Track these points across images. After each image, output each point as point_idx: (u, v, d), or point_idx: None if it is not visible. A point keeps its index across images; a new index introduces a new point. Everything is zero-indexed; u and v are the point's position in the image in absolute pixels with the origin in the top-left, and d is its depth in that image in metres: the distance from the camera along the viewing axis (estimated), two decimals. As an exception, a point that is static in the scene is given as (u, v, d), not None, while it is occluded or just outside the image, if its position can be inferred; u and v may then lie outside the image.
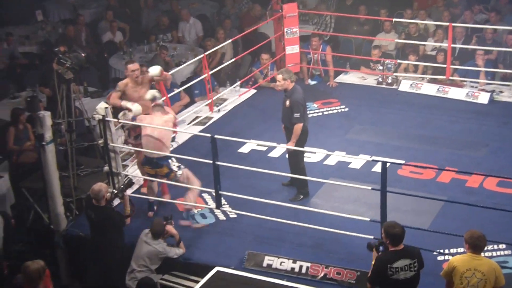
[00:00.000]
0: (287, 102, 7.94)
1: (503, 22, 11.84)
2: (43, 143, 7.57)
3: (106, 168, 7.99)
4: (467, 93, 10.65)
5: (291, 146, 7.85)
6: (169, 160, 7.68)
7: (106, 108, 7.82)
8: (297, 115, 7.83)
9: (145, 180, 8.21)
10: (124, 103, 8.03)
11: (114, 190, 7.36)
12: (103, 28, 13.48)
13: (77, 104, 8.59)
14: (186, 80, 11.61)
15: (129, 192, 7.98)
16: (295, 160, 8.04)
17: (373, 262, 5.83)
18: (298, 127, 7.86)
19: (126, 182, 7.45)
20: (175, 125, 8.07)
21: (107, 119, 7.80)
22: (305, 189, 8.13)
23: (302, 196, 8.13)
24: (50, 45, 12.24)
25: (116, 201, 7.67)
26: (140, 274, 6.96)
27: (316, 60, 11.40)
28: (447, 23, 10.90)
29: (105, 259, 7.14)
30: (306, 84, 11.34)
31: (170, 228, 7.18)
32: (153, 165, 7.69)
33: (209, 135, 7.43)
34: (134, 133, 8.10)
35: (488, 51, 10.99)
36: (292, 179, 8.17)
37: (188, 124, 10.09)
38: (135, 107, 7.92)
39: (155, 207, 8.05)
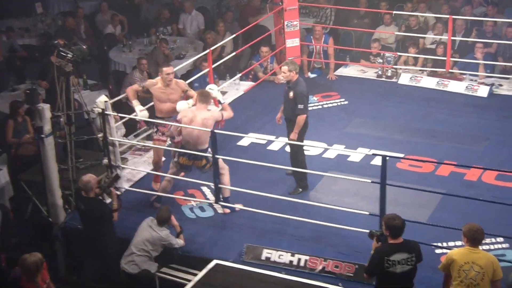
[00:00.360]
0: (291, 94, 7.96)
1: (503, 15, 11.82)
2: (42, 136, 7.56)
3: (105, 161, 7.99)
4: (466, 86, 10.65)
5: (294, 137, 7.89)
6: (208, 153, 7.65)
7: (105, 101, 7.81)
8: (300, 106, 7.88)
9: (155, 175, 8.24)
10: (136, 103, 8.03)
11: (103, 185, 7.35)
12: (101, 21, 13.46)
13: (76, 97, 8.58)
14: (186, 73, 11.61)
15: (126, 185, 8.00)
16: (295, 152, 8.06)
17: (372, 251, 5.85)
18: (301, 118, 7.90)
19: (113, 177, 7.45)
20: (221, 122, 7.87)
21: (106, 112, 7.79)
22: (304, 182, 8.14)
23: (301, 190, 8.13)
24: (50, 38, 12.23)
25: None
26: (139, 258, 6.96)
27: (318, 51, 11.38)
28: (447, 16, 10.88)
29: (96, 251, 7.15)
30: (306, 77, 11.32)
31: (172, 219, 7.19)
32: (191, 156, 7.66)
33: (209, 129, 7.43)
34: (163, 129, 8.05)
35: (487, 44, 10.98)
36: (293, 172, 8.19)
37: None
38: (142, 114, 7.99)
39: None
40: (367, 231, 6.08)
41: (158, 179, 8.25)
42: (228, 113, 7.90)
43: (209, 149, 7.61)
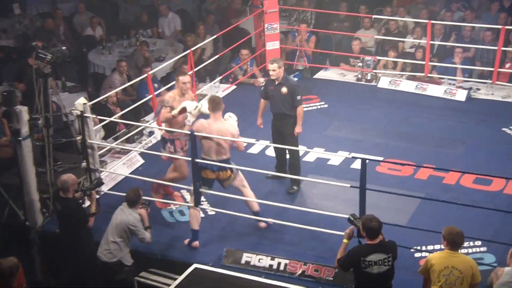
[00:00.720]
0: (284, 89, 8.05)
1: (480, 20, 11.92)
2: (20, 138, 7.49)
3: (84, 164, 7.93)
4: (445, 90, 10.72)
5: (299, 129, 8.05)
6: (231, 163, 7.44)
7: (84, 104, 7.75)
8: (299, 97, 8.05)
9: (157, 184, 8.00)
10: (175, 111, 7.69)
11: (83, 187, 7.28)
12: (79, 22, 13.36)
13: (54, 99, 8.50)
14: (166, 76, 11.57)
15: (105, 188, 7.93)
16: (293, 149, 8.14)
17: (345, 239, 5.96)
18: (301, 109, 8.08)
19: (96, 182, 7.38)
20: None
21: (85, 115, 7.73)
22: (298, 180, 8.24)
23: (296, 188, 8.20)
24: (28, 39, 12.13)
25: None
26: (114, 246, 6.84)
27: (301, 52, 11.51)
28: (426, 21, 10.95)
29: (72, 254, 7.07)
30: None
31: (143, 212, 7.00)
32: (215, 168, 7.32)
33: (188, 132, 7.40)
34: (181, 144, 7.75)
35: (466, 48, 11.06)
36: (282, 171, 8.23)
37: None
38: (192, 105, 7.58)
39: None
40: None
41: (161, 190, 8.05)
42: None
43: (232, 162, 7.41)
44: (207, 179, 7.37)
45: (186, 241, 7.38)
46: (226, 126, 7.36)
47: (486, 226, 7.21)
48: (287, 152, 8.19)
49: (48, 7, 14.60)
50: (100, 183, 7.42)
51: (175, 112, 7.64)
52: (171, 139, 7.74)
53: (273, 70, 8.05)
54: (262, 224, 7.53)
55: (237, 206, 7.58)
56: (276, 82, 8.10)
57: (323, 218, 7.30)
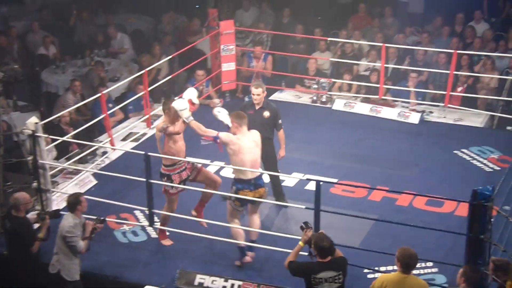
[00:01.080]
0: (266, 113, 8.09)
1: (433, 44, 12.14)
2: (-31, 158, 7.36)
3: (34, 184, 7.79)
4: (398, 113, 10.86)
5: (284, 153, 8.15)
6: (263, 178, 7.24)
7: (36, 123, 7.64)
8: (280, 121, 8.11)
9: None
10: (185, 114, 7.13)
11: (40, 211, 7.13)
12: (33, 41, 13.20)
13: (5, 118, 8.37)
14: (121, 96, 11.50)
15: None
16: (275, 169, 8.16)
17: (300, 242, 6.05)
18: (283, 132, 8.14)
19: (53, 212, 7.19)
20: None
21: (37, 134, 7.62)
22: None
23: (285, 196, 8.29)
24: (-20, 57, 11.93)
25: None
26: (56, 256, 6.72)
27: (257, 69, 11.54)
28: (381, 44, 11.11)
29: (19, 276, 6.90)
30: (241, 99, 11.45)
31: (89, 224, 6.81)
32: (252, 187, 7.08)
33: (142, 152, 7.33)
34: (180, 177, 7.35)
35: (419, 72, 11.24)
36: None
37: (122, 140, 9.96)
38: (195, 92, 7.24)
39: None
40: (302, 253, 6.11)
41: (166, 235, 7.72)
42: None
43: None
44: (244, 200, 7.11)
45: (238, 262, 7.22)
46: (253, 138, 7.13)
47: (438, 247, 7.30)
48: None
49: (1, 25, 14.39)
50: (56, 215, 7.16)
51: (186, 116, 7.06)
52: (168, 174, 7.32)
53: (258, 95, 8.03)
54: (248, 259, 7.28)
55: (192, 226, 7.52)
56: (257, 107, 8.09)
57: (278, 239, 7.28)
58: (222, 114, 7.27)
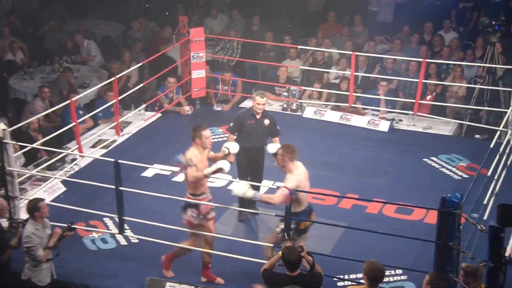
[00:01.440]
0: (267, 121, 8.15)
1: (402, 52, 12.25)
2: None
3: (2, 191, 7.69)
4: (368, 121, 10.93)
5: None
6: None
7: (4, 130, 7.54)
8: (278, 127, 8.20)
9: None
10: (208, 171, 6.89)
11: (13, 219, 7.02)
12: (1, 47, 13.05)
13: (-29, 125, 8.26)
14: (90, 102, 11.42)
15: (25, 217, 7.64)
16: (261, 177, 8.23)
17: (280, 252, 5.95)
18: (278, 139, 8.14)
19: (25, 221, 6.99)
20: None
21: (4, 141, 7.52)
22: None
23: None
24: None
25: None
26: (27, 263, 6.59)
27: (226, 90, 11.52)
28: (350, 52, 11.18)
29: None
30: (214, 108, 11.42)
31: (57, 232, 6.65)
32: (308, 214, 6.90)
33: (112, 159, 7.28)
34: (206, 209, 7.07)
35: (389, 80, 11.33)
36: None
37: (91, 147, 9.89)
38: (227, 165, 6.82)
39: None
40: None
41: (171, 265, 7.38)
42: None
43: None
44: (304, 229, 6.88)
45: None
46: (304, 169, 6.93)
47: (407, 254, 7.35)
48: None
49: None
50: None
51: (208, 171, 6.85)
52: (195, 204, 7.05)
53: (263, 104, 8.04)
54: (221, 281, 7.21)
55: (161, 234, 7.47)
56: (259, 116, 8.09)
57: (247, 247, 7.27)
58: (232, 147, 7.23)
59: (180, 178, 9.11)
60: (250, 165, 8.20)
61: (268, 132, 8.21)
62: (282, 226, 6.71)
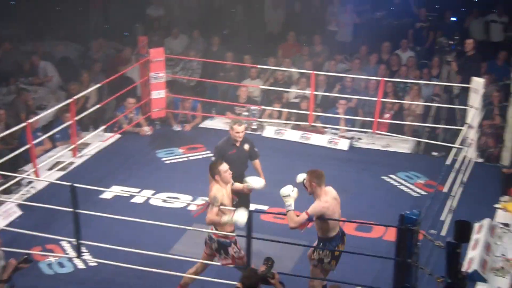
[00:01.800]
0: (246, 147, 8.04)
1: (361, 71, 12.37)
2: None
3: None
4: (328, 140, 10.99)
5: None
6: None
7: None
8: (257, 149, 8.10)
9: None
10: (225, 219, 6.73)
11: None
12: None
13: None
14: (48, 124, 11.27)
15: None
16: (248, 203, 7.97)
17: None
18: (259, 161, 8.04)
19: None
20: None
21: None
22: None
23: None
24: None
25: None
26: None
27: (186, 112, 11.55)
28: (310, 71, 11.25)
29: None
30: (173, 128, 11.37)
31: (11, 264, 6.15)
32: (341, 239, 6.77)
33: (68, 183, 7.16)
34: (239, 244, 6.95)
35: (349, 99, 11.42)
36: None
37: (49, 169, 9.75)
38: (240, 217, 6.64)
39: None
40: (232, 283, 6.07)
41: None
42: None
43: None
44: (339, 256, 6.78)
45: None
46: (334, 194, 6.82)
47: (367, 271, 7.37)
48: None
49: None
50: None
51: (226, 220, 6.72)
52: (234, 241, 6.89)
53: (242, 132, 7.93)
54: None
55: (120, 256, 7.37)
56: (238, 144, 8.00)
57: (208, 268, 7.21)
58: (255, 182, 7.24)
59: (139, 199, 9.03)
60: (238, 193, 8.06)
61: (248, 156, 8.10)
62: (317, 256, 6.71)
